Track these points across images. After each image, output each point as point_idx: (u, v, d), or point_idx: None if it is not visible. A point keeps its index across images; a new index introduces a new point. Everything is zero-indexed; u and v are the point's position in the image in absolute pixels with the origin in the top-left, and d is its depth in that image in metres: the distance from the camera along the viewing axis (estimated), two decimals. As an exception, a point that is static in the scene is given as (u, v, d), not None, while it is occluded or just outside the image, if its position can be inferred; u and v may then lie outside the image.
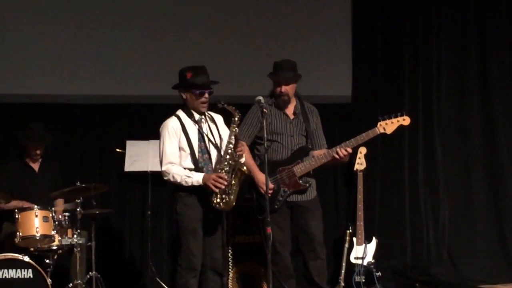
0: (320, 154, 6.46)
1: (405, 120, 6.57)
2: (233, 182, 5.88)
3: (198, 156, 5.98)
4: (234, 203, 5.92)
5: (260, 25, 8.29)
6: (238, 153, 5.94)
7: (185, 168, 5.95)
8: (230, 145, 5.92)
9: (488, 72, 8.69)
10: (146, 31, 8.15)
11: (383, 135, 6.60)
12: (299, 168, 6.43)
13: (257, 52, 8.15)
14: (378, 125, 6.52)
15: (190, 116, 6.06)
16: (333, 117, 8.29)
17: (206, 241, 5.98)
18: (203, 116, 6.08)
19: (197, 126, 6.03)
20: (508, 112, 8.69)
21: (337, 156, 6.38)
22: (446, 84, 8.68)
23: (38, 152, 7.34)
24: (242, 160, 6.01)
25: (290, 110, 6.56)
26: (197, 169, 5.94)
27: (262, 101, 6.01)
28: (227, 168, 5.88)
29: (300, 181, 6.42)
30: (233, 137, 5.95)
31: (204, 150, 6.00)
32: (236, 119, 5.97)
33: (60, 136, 7.89)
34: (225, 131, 6.12)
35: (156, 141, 7.41)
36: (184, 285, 5.95)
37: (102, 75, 8.07)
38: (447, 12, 8.71)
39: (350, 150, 6.41)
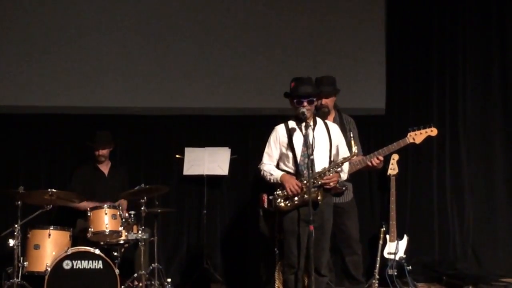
0: (355, 161, 6.41)
1: (433, 131, 6.55)
2: (304, 196, 5.76)
3: (300, 159, 5.85)
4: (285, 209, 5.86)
5: (303, 44, 8.27)
6: (326, 183, 5.81)
7: (285, 171, 5.91)
8: (327, 172, 5.82)
9: (508, 86, 8.61)
10: (201, 50, 8.18)
11: (413, 144, 6.58)
12: (336, 173, 6.42)
13: (299, 69, 7.88)
14: (408, 136, 6.51)
15: (298, 123, 5.90)
16: (369, 127, 8.19)
17: (309, 243, 5.67)
18: (311, 124, 5.87)
19: (302, 132, 5.82)
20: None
21: (370, 164, 6.37)
22: (471, 97, 8.60)
23: (101, 154, 7.40)
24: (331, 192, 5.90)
25: (329, 120, 6.48)
26: (298, 170, 5.86)
27: (306, 113, 5.91)
28: (310, 182, 5.65)
29: (337, 185, 6.28)
30: (333, 167, 5.85)
31: (306, 155, 5.79)
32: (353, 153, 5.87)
33: (127, 144, 8.02)
34: (337, 139, 6.01)
35: (211, 148, 7.74)
36: (285, 281, 5.91)
37: (165, 89, 8.11)
38: (472, 33, 8.64)
39: (381, 158, 6.38)
